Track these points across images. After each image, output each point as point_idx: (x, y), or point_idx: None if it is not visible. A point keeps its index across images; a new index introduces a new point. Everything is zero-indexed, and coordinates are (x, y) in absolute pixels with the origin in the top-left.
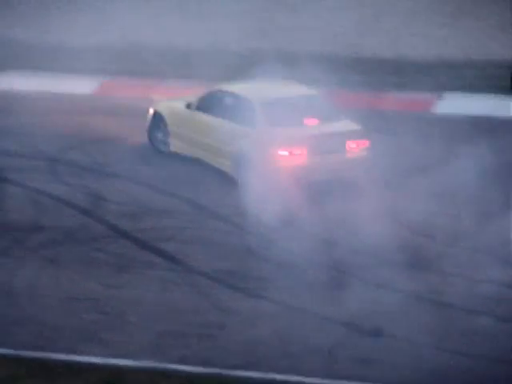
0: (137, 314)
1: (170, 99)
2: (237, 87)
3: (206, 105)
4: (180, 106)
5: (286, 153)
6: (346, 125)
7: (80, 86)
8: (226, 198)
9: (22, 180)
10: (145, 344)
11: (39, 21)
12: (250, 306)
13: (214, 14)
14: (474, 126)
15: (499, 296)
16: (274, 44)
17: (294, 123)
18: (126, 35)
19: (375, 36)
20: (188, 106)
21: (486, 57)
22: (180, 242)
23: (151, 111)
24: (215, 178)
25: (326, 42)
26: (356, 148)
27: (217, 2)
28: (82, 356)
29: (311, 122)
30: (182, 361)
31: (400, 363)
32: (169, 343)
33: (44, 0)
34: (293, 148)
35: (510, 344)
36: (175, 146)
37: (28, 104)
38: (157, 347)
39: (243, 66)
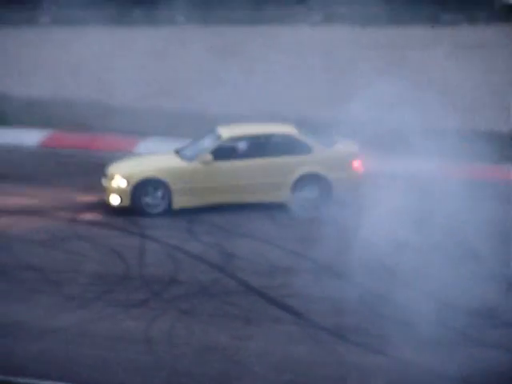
0: (263, 364)
1: (131, 160)
2: (254, 128)
3: (228, 152)
4: (174, 162)
5: (357, 164)
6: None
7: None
8: (342, 255)
9: (161, 237)
10: None
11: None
12: (369, 360)
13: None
14: None
15: None
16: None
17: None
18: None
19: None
20: (189, 160)
21: None
22: (304, 299)
23: (121, 178)
24: (332, 236)
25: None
26: None
27: None
28: None
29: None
30: None
31: None
32: None
33: None
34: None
35: None
36: (181, 202)
37: None
38: None
39: None
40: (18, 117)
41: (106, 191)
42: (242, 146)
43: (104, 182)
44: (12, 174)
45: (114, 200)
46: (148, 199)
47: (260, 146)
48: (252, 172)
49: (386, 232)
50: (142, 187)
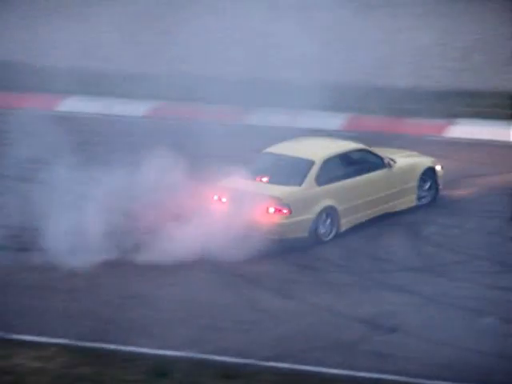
0: (183, 310)
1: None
2: (334, 144)
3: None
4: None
5: None
6: None
7: None
8: None
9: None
10: None
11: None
12: (278, 304)
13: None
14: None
15: None
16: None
17: None
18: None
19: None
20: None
21: (493, 88)
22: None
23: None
24: None
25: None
26: None
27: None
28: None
29: None
30: None
31: None
32: None
33: None
34: None
35: None
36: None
37: None
38: None
39: None
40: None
41: None
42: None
43: None
44: None
45: None
46: None
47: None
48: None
49: None
50: None
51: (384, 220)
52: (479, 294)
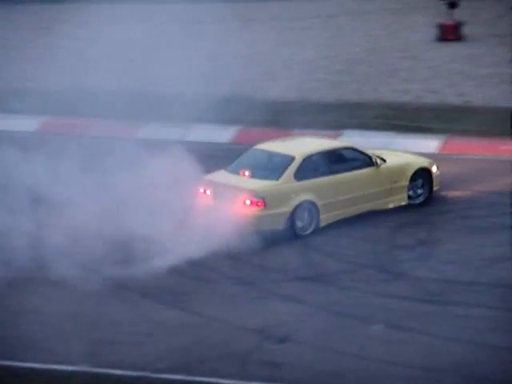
0: (76, 324)
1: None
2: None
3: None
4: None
5: None
6: None
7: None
8: None
9: None
10: None
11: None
12: (173, 317)
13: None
14: None
15: None
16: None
17: None
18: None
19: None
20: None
21: (377, 99)
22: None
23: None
24: None
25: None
26: None
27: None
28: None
29: None
30: None
31: None
32: None
33: None
34: None
35: None
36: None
37: None
38: None
39: None
40: None
41: None
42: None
43: None
44: None
45: None
46: None
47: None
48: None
49: None
50: None
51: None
52: (367, 301)
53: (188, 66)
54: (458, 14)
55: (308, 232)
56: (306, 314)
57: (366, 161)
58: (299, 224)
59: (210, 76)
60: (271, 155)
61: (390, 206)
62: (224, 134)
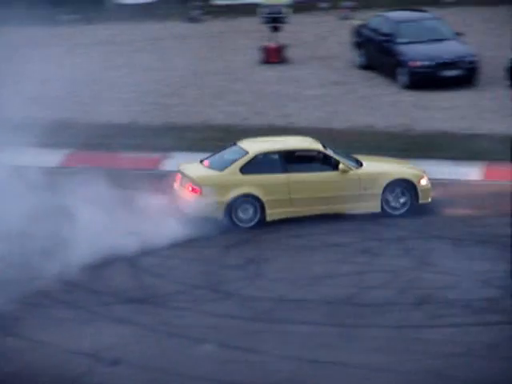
0: None
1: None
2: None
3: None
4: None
5: None
6: None
7: None
8: None
9: None
10: None
11: None
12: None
13: None
14: None
15: None
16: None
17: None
18: None
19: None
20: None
21: (204, 121)
22: None
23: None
24: None
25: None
26: None
27: None
28: None
29: None
30: None
31: None
32: None
33: None
34: None
35: None
36: (273, 215)
37: None
38: None
39: None
40: None
41: None
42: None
43: None
44: None
45: None
46: None
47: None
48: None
49: None
50: None
51: (106, 253)
52: (198, 322)
53: (14, 91)
54: (282, 38)
55: (251, 224)
56: (137, 336)
57: (331, 164)
58: (241, 215)
59: (38, 100)
60: (238, 150)
61: (359, 211)
62: (53, 158)
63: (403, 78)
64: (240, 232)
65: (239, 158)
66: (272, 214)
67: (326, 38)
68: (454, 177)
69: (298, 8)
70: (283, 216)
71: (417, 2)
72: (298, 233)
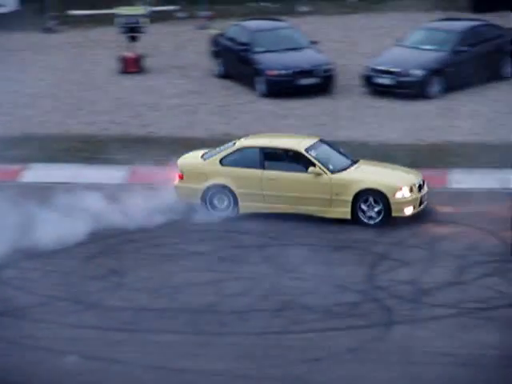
0: None
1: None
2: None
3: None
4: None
5: None
6: None
7: None
8: None
9: None
10: None
11: None
12: None
13: None
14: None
15: None
16: None
17: None
18: None
19: None
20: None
21: (64, 132)
22: None
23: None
24: None
25: None
26: None
27: None
28: None
29: None
30: None
31: None
32: None
33: None
34: None
35: None
36: (245, 207)
37: None
38: None
39: None
40: None
41: None
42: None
43: None
44: None
45: None
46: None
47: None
48: None
49: None
50: None
51: None
52: (60, 333)
53: None
54: (140, 47)
55: (226, 214)
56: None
57: (304, 166)
58: (216, 204)
59: None
60: (231, 144)
61: (330, 216)
62: None
63: (261, 87)
64: (99, 243)
65: (223, 151)
66: (244, 206)
67: (184, 47)
68: None
69: (155, 18)
70: (255, 210)
71: (273, 12)
72: (159, 242)
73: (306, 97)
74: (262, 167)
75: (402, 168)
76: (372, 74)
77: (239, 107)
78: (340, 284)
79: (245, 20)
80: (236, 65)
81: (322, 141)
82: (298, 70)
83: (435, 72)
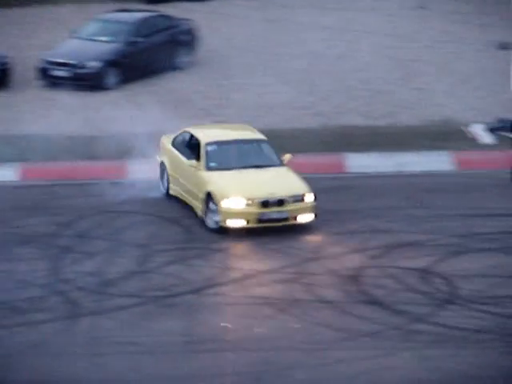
0: None
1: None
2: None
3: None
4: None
5: None
6: None
7: None
8: None
9: None
10: None
11: None
12: None
13: None
14: None
15: None
16: None
17: None
18: None
19: None
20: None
21: None
22: None
23: None
24: None
25: None
26: None
27: None
28: None
29: None
30: None
31: None
32: None
33: None
34: None
35: None
36: (173, 190)
37: None
38: None
39: None
40: None
41: None
42: None
43: None
44: None
45: None
46: None
47: None
48: None
49: None
50: None
51: None
52: None
53: None
54: None
55: (164, 192)
56: None
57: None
58: (164, 182)
59: None
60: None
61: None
62: None
63: None
64: None
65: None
66: (172, 188)
67: None
68: None
69: None
70: (177, 195)
71: None
72: None
73: None
74: (182, 153)
75: None
76: (48, 66)
77: None
78: (24, 279)
79: None
80: None
81: None
82: None
83: (111, 63)
